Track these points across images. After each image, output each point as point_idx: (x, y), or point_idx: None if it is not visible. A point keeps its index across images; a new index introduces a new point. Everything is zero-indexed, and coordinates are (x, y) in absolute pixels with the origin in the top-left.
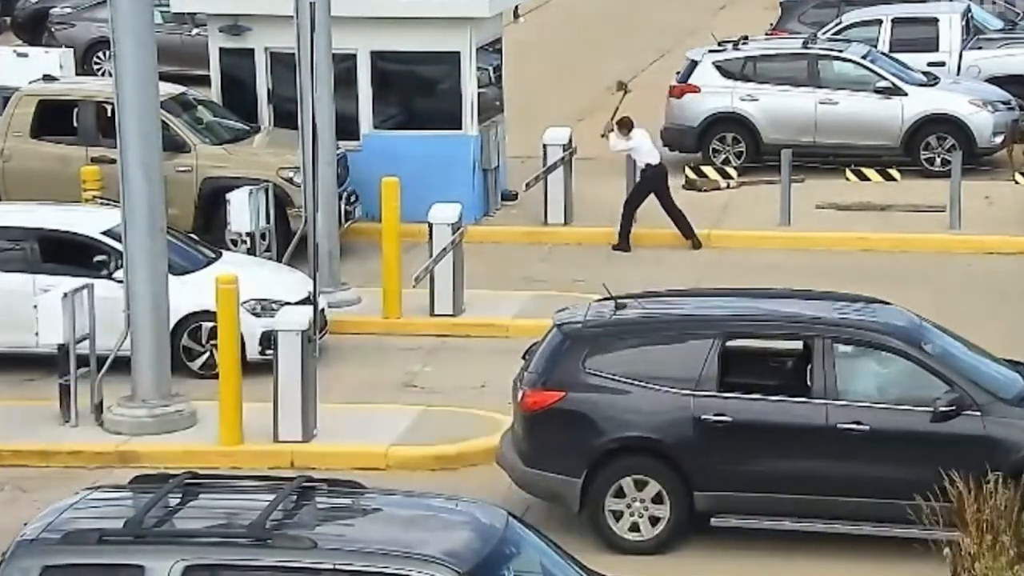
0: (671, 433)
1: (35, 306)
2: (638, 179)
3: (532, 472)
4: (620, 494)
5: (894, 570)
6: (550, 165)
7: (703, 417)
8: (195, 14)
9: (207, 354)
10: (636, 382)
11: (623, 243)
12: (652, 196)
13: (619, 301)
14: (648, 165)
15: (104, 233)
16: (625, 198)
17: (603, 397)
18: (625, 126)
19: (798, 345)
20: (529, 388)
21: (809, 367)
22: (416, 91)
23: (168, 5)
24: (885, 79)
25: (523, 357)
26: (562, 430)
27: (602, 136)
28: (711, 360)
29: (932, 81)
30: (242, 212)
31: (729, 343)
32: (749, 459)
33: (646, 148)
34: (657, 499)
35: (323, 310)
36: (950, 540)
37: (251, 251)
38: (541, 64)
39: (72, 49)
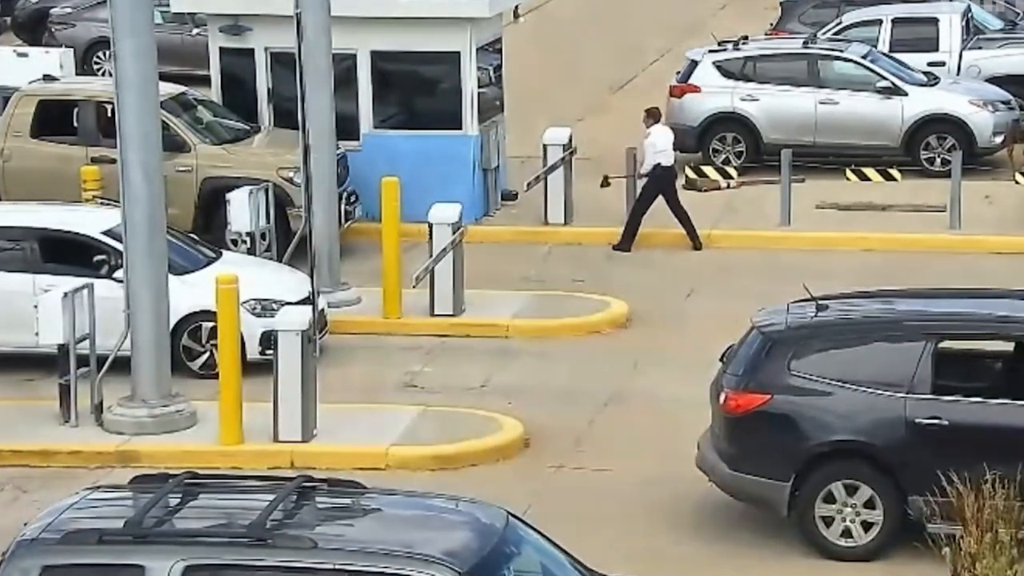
0: (883, 436)
1: (35, 306)
2: (644, 181)
3: (737, 476)
4: (830, 499)
5: (895, 569)
6: (550, 165)
7: (917, 420)
8: (195, 14)
9: (207, 354)
10: (844, 384)
11: (624, 243)
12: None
13: (820, 302)
14: (658, 165)
15: (104, 233)
16: (634, 202)
17: (810, 400)
18: (652, 116)
19: (1010, 347)
20: (732, 391)
21: None
22: (416, 91)
23: (168, 5)
24: (885, 79)
25: (720, 360)
26: (768, 433)
27: (603, 186)
28: (924, 362)
29: (932, 81)
30: (242, 212)
31: (942, 344)
32: (965, 463)
33: (660, 146)
34: (869, 504)
35: (323, 310)
36: (950, 539)
37: (251, 251)
38: (541, 64)
39: (72, 49)
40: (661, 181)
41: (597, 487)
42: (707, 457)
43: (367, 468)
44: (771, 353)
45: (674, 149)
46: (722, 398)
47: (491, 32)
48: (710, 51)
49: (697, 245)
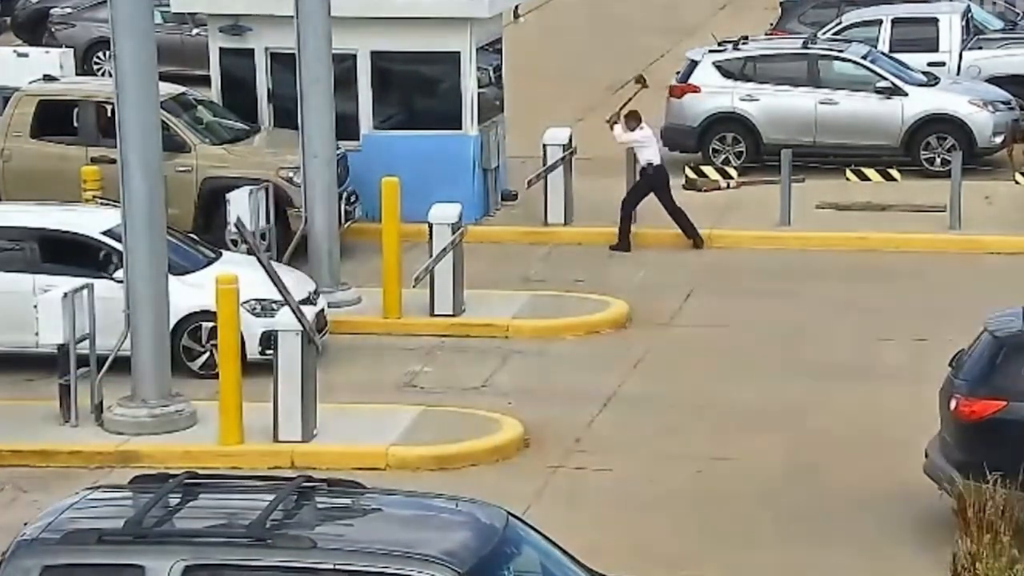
0: None
1: (35, 306)
2: (638, 176)
3: (972, 485)
4: None
5: (895, 570)
6: (550, 165)
7: None
8: (195, 14)
9: (207, 354)
10: None
11: (622, 243)
12: (651, 196)
13: None
14: (650, 164)
15: (104, 233)
16: (623, 201)
17: None
18: (634, 119)
19: None
20: (965, 397)
21: None
22: (416, 91)
23: (168, 5)
24: (885, 79)
25: (950, 364)
26: (1005, 440)
27: (607, 122)
28: None
29: (932, 81)
30: (242, 212)
31: None
32: None
33: (651, 145)
34: None
35: (323, 310)
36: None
37: (251, 251)
38: (541, 64)
39: (72, 49)
40: (653, 179)
41: (597, 487)
42: (937, 464)
43: (367, 468)
44: (1007, 358)
45: (673, 149)
46: (953, 404)
47: (491, 32)
48: (710, 51)
49: (698, 243)
